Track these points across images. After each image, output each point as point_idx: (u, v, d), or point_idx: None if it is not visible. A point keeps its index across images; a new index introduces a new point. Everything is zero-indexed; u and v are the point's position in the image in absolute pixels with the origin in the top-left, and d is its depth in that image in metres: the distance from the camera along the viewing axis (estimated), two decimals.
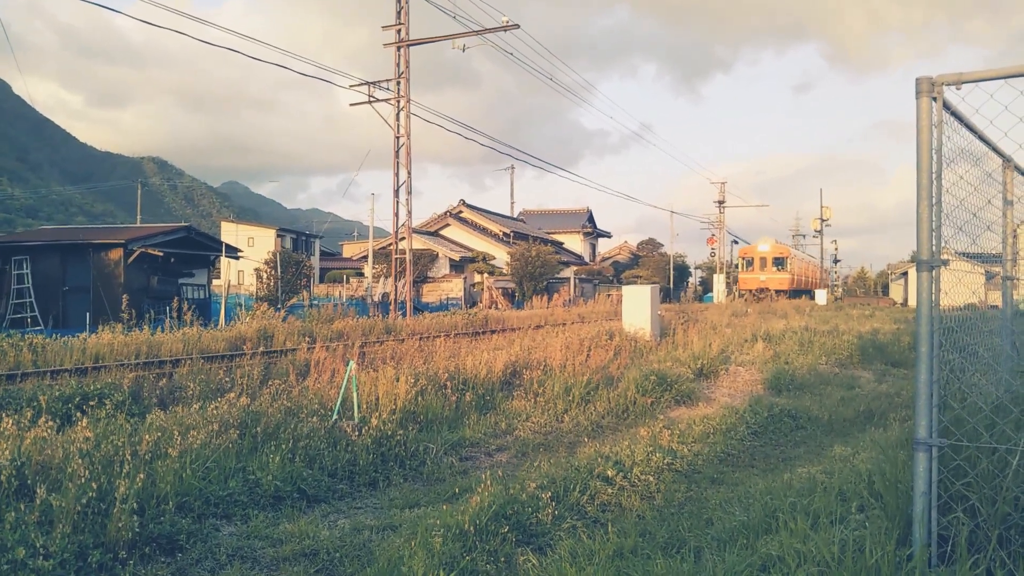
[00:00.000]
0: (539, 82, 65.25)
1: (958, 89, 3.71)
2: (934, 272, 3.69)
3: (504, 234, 58.46)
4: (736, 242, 76.34)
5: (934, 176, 3.69)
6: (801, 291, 57.10)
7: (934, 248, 3.70)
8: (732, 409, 9.23)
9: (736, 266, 59.13)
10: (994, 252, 5.78)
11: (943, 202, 3.82)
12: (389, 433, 7.07)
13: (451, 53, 26.05)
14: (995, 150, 4.94)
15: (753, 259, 54.05)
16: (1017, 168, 5.63)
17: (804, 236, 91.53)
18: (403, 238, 27.51)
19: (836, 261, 76.12)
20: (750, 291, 53.05)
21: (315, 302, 30.18)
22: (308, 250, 61.40)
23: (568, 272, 54.03)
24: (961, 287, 4.78)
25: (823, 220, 68.57)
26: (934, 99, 3.68)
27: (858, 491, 4.70)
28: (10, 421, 5.78)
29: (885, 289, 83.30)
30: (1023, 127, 3.62)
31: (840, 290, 73.83)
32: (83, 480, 4.63)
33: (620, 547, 4.44)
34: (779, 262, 53.16)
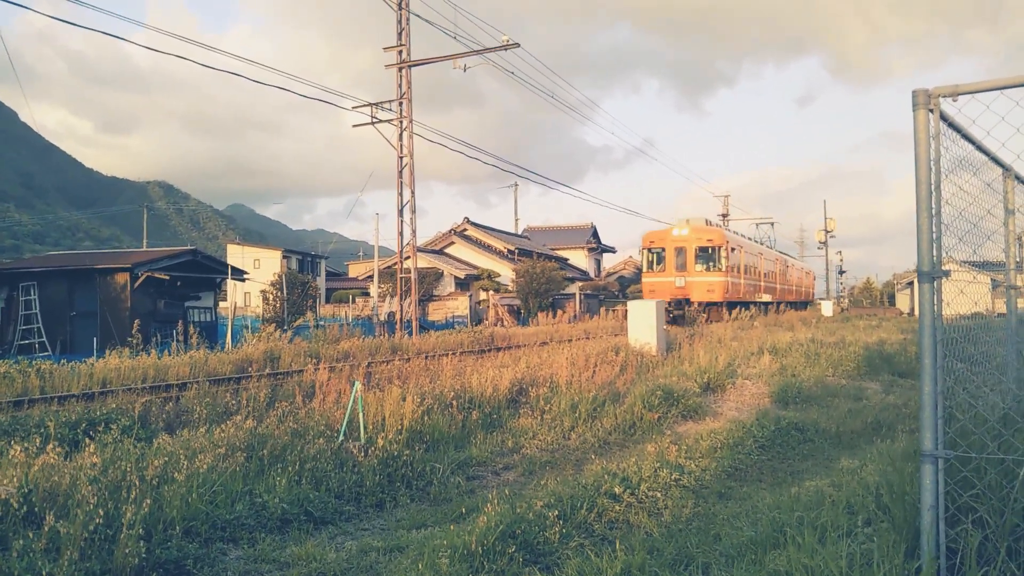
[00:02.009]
0: (543, 100, 65.61)
1: (954, 101, 3.73)
2: (935, 283, 3.70)
3: (509, 251, 58.51)
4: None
5: (933, 188, 3.71)
6: (760, 302, 40.29)
7: (935, 259, 3.70)
8: (739, 423, 9.19)
9: (641, 267, 36.93)
10: (998, 261, 5.78)
11: (943, 213, 3.83)
12: (395, 454, 7.07)
13: (456, 73, 26.23)
14: (994, 160, 4.96)
15: (664, 251, 34.15)
16: (1018, 177, 5.64)
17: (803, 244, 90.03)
18: (408, 257, 27.57)
19: (841, 272, 75.90)
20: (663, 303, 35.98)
21: (321, 323, 30.22)
22: (314, 271, 61.54)
23: (573, 288, 53.75)
24: (965, 296, 4.78)
25: (827, 231, 68.45)
26: (931, 111, 3.69)
27: (866, 504, 4.68)
28: (18, 448, 5.80)
29: (891, 299, 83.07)
30: (1020, 136, 3.64)
31: (846, 301, 73.49)
32: (90, 506, 4.64)
33: (628, 565, 4.42)
34: (706, 256, 33.61)
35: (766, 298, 43.25)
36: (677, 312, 31.73)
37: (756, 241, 49.27)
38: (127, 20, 18.16)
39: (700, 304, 32.21)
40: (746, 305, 36.39)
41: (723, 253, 33.25)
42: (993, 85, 3.55)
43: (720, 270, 33.05)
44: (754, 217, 69.92)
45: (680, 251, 33.81)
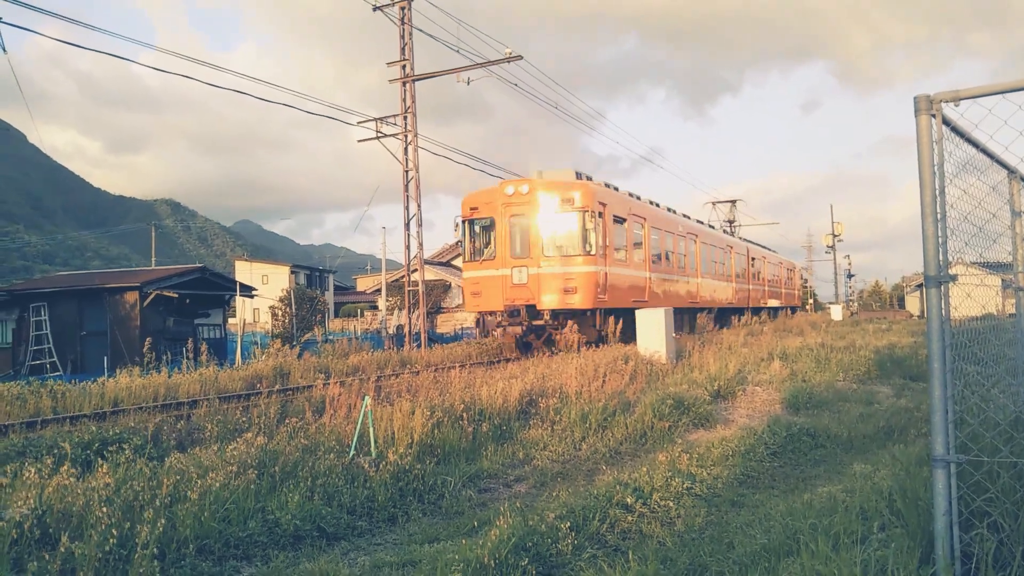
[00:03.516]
0: (548, 111, 65.69)
1: (956, 105, 3.74)
2: (942, 288, 3.70)
3: None
4: None
5: (937, 192, 3.71)
6: (697, 309, 28.79)
7: (941, 263, 3.70)
8: (750, 430, 9.17)
9: (463, 252, 23.21)
10: (1007, 262, 5.77)
11: (949, 217, 3.83)
12: (406, 467, 7.07)
13: (461, 86, 26.34)
14: (999, 162, 4.96)
15: (494, 224, 21.42)
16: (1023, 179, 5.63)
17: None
18: (415, 270, 27.63)
19: (850, 276, 75.65)
20: (487, 319, 21.74)
21: (330, 337, 30.29)
22: (322, 285, 61.70)
23: None
24: (975, 298, 4.77)
25: (835, 236, 68.28)
26: (933, 116, 3.70)
27: (879, 510, 4.66)
28: (32, 470, 5.83)
29: (901, 302, 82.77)
30: (1022, 139, 3.64)
31: (856, 304, 73.18)
32: (104, 527, 4.65)
33: (641, 575, 4.41)
34: (565, 230, 20.59)
35: (708, 300, 31.09)
36: (512, 324, 19.85)
37: (707, 225, 37.27)
38: (136, 42, 18.33)
39: (552, 315, 20.09)
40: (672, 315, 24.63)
41: (591, 222, 19.71)
42: (994, 89, 3.55)
43: (589, 254, 19.75)
44: (761, 223, 66.33)
45: (519, 223, 20.73)
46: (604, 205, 21.16)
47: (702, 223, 35.78)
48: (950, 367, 3.68)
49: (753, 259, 42.24)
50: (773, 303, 46.34)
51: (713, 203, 53.11)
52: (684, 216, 31.67)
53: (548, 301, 20.24)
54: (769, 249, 51.07)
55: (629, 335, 19.17)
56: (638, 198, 26.25)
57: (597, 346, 18.42)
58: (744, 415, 11.16)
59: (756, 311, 40.37)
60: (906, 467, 5.73)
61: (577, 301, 19.99)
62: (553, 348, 19.38)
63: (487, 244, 21.71)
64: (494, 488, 7.40)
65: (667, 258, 27.49)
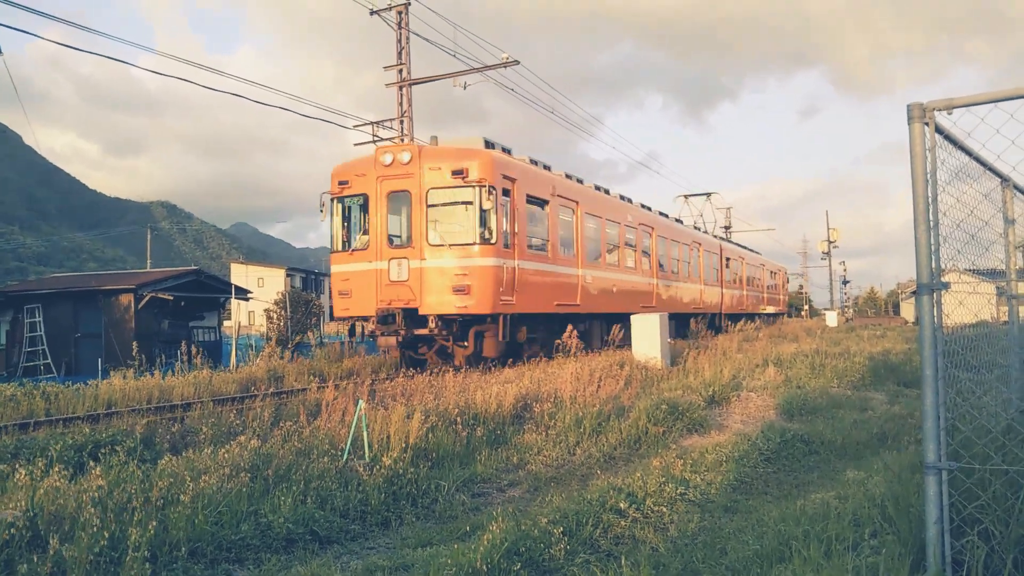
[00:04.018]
0: (545, 116, 65.88)
1: (949, 114, 3.76)
2: (935, 295, 3.71)
3: None
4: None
5: (930, 200, 3.73)
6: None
7: (934, 271, 3.72)
8: (744, 436, 9.18)
9: (332, 240, 17.71)
10: (1000, 269, 5.80)
11: (942, 224, 3.85)
12: (400, 471, 7.06)
13: (459, 91, 26.39)
14: (992, 170, 4.98)
15: (367, 202, 16.90)
16: (1016, 187, 5.66)
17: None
18: None
19: (846, 282, 75.85)
20: (364, 327, 19.19)
21: (325, 340, 30.24)
22: (318, 289, 61.62)
23: None
24: (968, 304, 4.79)
25: (831, 242, 68.47)
26: (926, 124, 3.72)
27: (871, 516, 4.68)
28: (24, 472, 5.82)
29: (896, 308, 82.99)
30: (1015, 148, 3.66)
31: (851, 311, 73.33)
32: (95, 529, 4.64)
33: None
34: (458, 210, 16.27)
35: (668, 304, 26.82)
36: (385, 334, 15.91)
37: (677, 221, 32.02)
38: (135, 45, 18.36)
39: (442, 322, 15.80)
40: (596, 320, 21.33)
41: (490, 201, 15.59)
42: (987, 98, 3.57)
43: (488, 242, 15.70)
44: (757, 229, 65.64)
45: (399, 202, 16.68)
46: (512, 181, 16.60)
47: (667, 216, 30.58)
48: (942, 374, 3.70)
49: (728, 259, 37.52)
50: (754, 309, 42.70)
51: (685, 196, 44.79)
52: (643, 207, 27.09)
53: (433, 304, 15.69)
54: (750, 249, 47.00)
55: (552, 348, 16.48)
56: (580, 181, 21.74)
57: (511, 363, 15.88)
58: (738, 421, 11.17)
59: (734, 318, 36.62)
60: (898, 474, 5.74)
61: (471, 304, 15.48)
62: (452, 363, 15.76)
63: (361, 229, 17.01)
64: (488, 492, 7.39)
65: (610, 253, 22.94)
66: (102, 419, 10.47)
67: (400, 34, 26.46)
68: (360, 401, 7.91)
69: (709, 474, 7.48)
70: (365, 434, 7.64)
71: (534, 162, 19.44)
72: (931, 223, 3.71)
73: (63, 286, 27.96)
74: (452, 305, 15.68)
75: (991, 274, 5.86)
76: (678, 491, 6.63)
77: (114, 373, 14.80)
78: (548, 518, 5.52)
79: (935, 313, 3.70)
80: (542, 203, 18.58)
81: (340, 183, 17.21)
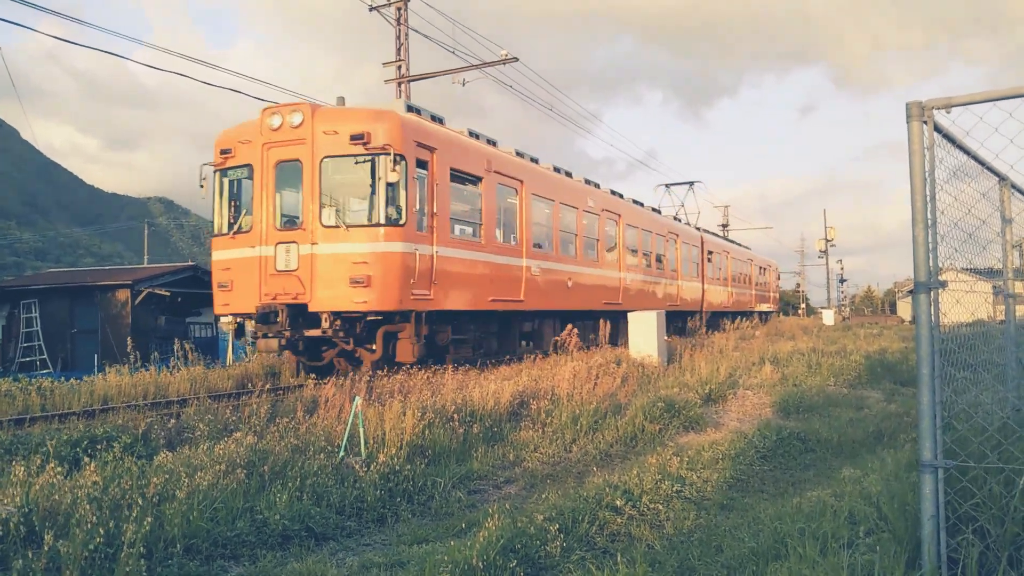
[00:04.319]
0: (543, 113, 65.66)
1: (948, 112, 3.76)
2: (932, 294, 3.71)
3: None
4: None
5: (928, 199, 3.73)
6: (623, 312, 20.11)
7: (931, 270, 3.72)
8: (741, 434, 9.19)
9: (214, 221, 14.66)
10: (998, 268, 5.80)
11: (939, 223, 3.85)
12: (397, 468, 7.06)
13: (458, 88, 26.35)
14: (990, 169, 4.98)
15: (252, 173, 13.89)
16: (1014, 186, 5.66)
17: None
18: None
19: (842, 281, 75.94)
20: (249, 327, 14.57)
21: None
22: None
23: None
24: (965, 303, 4.79)
25: (828, 240, 68.53)
26: (925, 123, 3.72)
27: (867, 514, 4.68)
28: (19, 467, 5.80)
29: (892, 307, 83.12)
30: (1014, 147, 3.66)
31: (847, 309, 73.42)
32: (91, 525, 4.63)
33: None
34: (360, 183, 13.43)
35: (638, 301, 24.08)
36: (268, 336, 13.15)
37: (650, 209, 28.67)
38: (130, 39, 18.30)
39: (342, 321, 13.12)
40: (547, 319, 19.16)
41: (397, 173, 12.89)
42: (986, 97, 3.57)
43: (395, 223, 13.19)
44: (754, 227, 65.13)
45: (289, 174, 13.88)
46: (431, 151, 13.91)
47: (642, 205, 27.53)
48: (939, 373, 3.70)
49: (711, 253, 34.94)
50: (741, 307, 40.36)
51: (666, 185, 41.29)
52: (613, 193, 24.49)
53: (326, 299, 12.96)
54: (737, 243, 44.45)
55: (493, 351, 15.74)
56: (535, 161, 19.63)
57: (431, 365, 13.42)
58: (735, 419, 11.18)
59: (716, 316, 34.54)
60: (894, 472, 5.75)
61: (371, 299, 12.75)
62: (362, 368, 13.54)
63: (245, 209, 14.18)
64: (484, 489, 7.40)
65: (566, 242, 20.26)
66: (98, 415, 10.45)
67: (399, 30, 26.42)
68: (357, 398, 7.91)
69: (705, 472, 7.48)
70: (361, 431, 7.64)
71: (475, 135, 16.92)
72: (929, 221, 3.71)
73: (60, 281, 27.93)
74: (349, 300, 12.87)
75: (988, 273, 5.86)
76: (674, 489, 6.64)
77: (110, 369, 14.77)
78: (544, 515, 5.51)
79: (932, 312, 3.70)
80: (474, 180, 15.83)
81: (223, 152, 14.29)
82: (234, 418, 8.86)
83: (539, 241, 18.71)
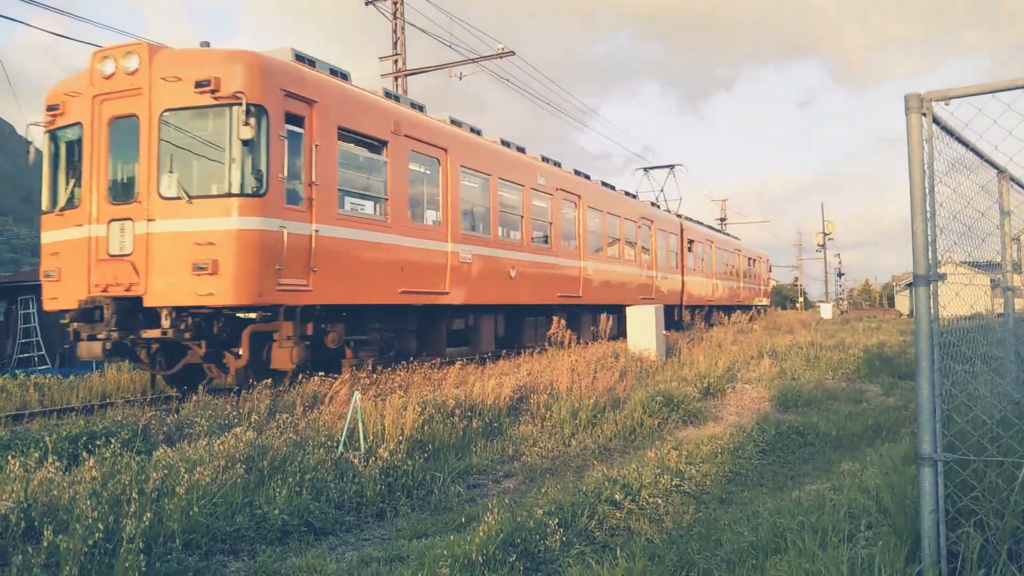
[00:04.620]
0: (540, 107, 65.39)
1: (947, 104, 3.75)
2: (931, 287, 3.71)
3: None
4: None
5: (927, 191, 3.72)
6: (583, 307, 21.05)
7: (930, 262, 3.71)
8: (739, 428, 9.20)
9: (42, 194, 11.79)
10: (996, 261, 5.80)
11: (938, 215, 3.84)
12: (396, 463, 7.06)
13: (456, 83, 26.27)
14: (989, 162, 4.98)
15: (81, 133, 11.12)
16: (1012, 179, 5.66)
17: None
18: None
19: (840, 275, 75.99)
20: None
21: None
22: None
23: None
24: (964, 296, 4.79)
25: (825, 234, 68.52)
26: (923, 115, 3.71)
27: (867, 508, 4.68)
28: (16, 463, 5.80)
29: (891, 301, 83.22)
30: (1013, 139, 3.65)
31: (845, 303, 73.47)
32: (90, 521, 4.63)
33: (629, 571, 4.41)
34: (206, 139, 10.62)
35: (603, 293, 22.04)
36: (91, 338, 10.59)
37: (611, 188, 24.99)
38: (126, 34, 18.20)
39: (194, 322, 10.54)
40: (485, 315, 16.54)
41: (252, 130, 10.14)
42: (984, 89, 3.56)
43: (253, 194, 10.39)
44: (752, 221, 64.42)
45: (123, 132, 11.00)
46: (310, 104, 11.24)
47: (611, 188, 24.92)
48: (938, 366, 3.69)
49: (692, 242, 32.01)
50: (728, 300, 37.77)
51: (645, 169, 37.36)
52: (577, 173, 22.04)
53: (163, 290, 10.37)
54: (724, 232, 41.77)
55: (409, 353, 13.76)
56: (477, 132, 16.97)
57: (320, 374, 11.24)
58: (733, 412, 11.19)
59: (694, 311, 31.12)
60: (894, 465, 5.75)
61: (218, 290, 10.14)
62: (227, 380, 11.68)
63: (76, 178, 11.42)
64: (483, 484, 7.40)
65: (506, 225, 17.74)
66: (97, 411, 10.44)
67: (395, 24, 26.36)
68: (356, 392, 7.90)
69: (704, 466, 7.49)
70: (360, 425, 7.64)
71: (391, 96, 14.46)
72: (928, 214, 3.70)
73: None
74: (191, 292, 10.17)
75: (987, 266, 5.86)
76: (673, 483, 6.64)
77: (108, 365, 14.75)
78: (543, 509, 5.52)
79: (931, 305, 3.69)
80: (375, 144, 13.05)
81: (50, 109, 11.63)
82: (234, 413, 8.85)
83: (471, 223, 16.09)
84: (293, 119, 11.09)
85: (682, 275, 30.49)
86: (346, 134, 12.29)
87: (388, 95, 14.40)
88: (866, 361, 15.83)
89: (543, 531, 5.14)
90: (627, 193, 26.97)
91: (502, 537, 4.86)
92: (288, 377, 11.23)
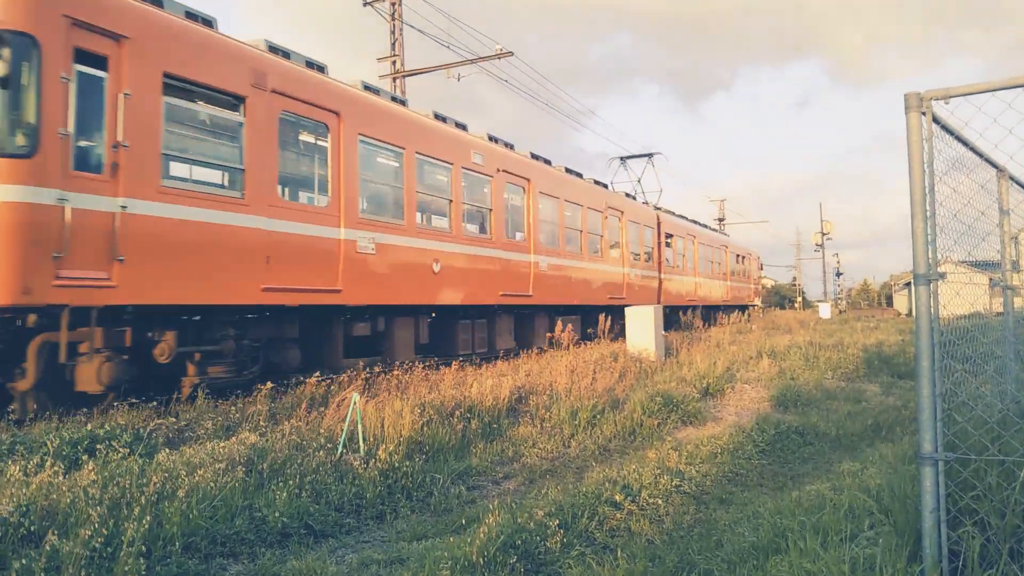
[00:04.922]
0: (539, 108, 65.43)
1: (947, 103, 3.75)
2: (932, 286, 3.71)
3: None
4: None
5: (927, 190, 3.72)
6: (534, 308, 18.69)
7: (930, 261, 3.71)
8: (739, 428, 9.19)
9: None
10: (995, 261, 5.80)
11: (938, 215, 3.84)
12: (395, 465, 7.05)
13: (455, 84, 26.26)
14: (988, 161, 4.98)
15: None
16: (1012, 178, 5.66)
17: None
18: None
19: (839, 274, 76.09)
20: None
21: None
22: None
23: None
24: (965, 295, 4.79)
25: (824, 234, 68.59)
26: (923, 114, 3.71)
27: (867, 507, 4.68)
28: (16, 467, 5.79)
29: (889, 300, 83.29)
30: (1013, 138, 3.65)
31: (844, 303, 73.51)
32: (92, 525, 4.62)
33: (630, 573, 4.41)
34: None
35: (554, 292, 19.37)
36: None
37: (577, 176, 22.58)
38: None
39: None
40: (403, 317, 14.10)
41: (4, 62, 7.82)
42: (985, 88, 3.56)
43: (14, 153, 7.89)
44: (750, 221, 64.30)
45: None
46: (119, 41, 8.92)
47: (579, 175, 22.74)
48: (938, 365, 3.69)
49: (670, 236, 29.57)
50: (712, 300, 35.35)
51: (621, 159, 33.63)
52: (534, 156, 19.67)
53: None
54: (710, 228, 38.44)
55: (290, 367, 11.50)
56: (397, 101, 14.57)
57: (149, 398, 9.64)
58: (733, 413, 11.19)
59: (678, 311, 29.19)
60: (894, 465, 5.76)
61: None
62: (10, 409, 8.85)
63: None
64: (483, 485, 7.39)
65: (428, 209, 15.86)
66: (97, 414, 10.41)
67: (393, 25, 26.36)
68: (355, 394, 7.89)
69: (704, 466, 7.49)
70: (360, 427, 7.63)
71: (276, 51, 11.53)
72: (928, 213, 3.70)
73: None
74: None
75: (983, 266, 5.86)
76: (673, 483, 6.64)
77: None
78: (544, 511, 5.51)
79: (932, 304, 3.69)
80: (227, 100, 10.44)
81: None
82: (237, 415, 8.84)
83: (375, 206, 13.46)
84: (89, 59, 8.64)
85: (659, 273, 28.08)
86: (178, 84, 9.63)
87: (272, 49, 11.43)
88: (865, 360, 15.85)
89: (543, 532, 5.13)
90: (596, 182, 24.12)
91: (502, 539, 4.86)
92: (105, 403, 9.05)
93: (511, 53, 25.60)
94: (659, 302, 26.62)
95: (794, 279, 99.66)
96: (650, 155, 33.15)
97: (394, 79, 26.53)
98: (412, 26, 26.44)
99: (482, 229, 16.93)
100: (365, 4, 26.19)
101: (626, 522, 5.77)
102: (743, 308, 40.63)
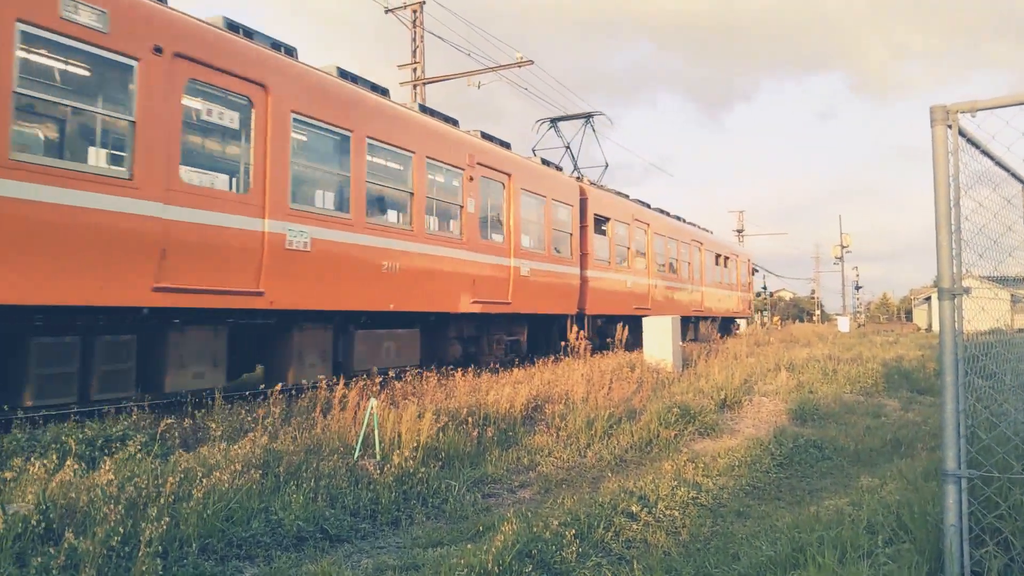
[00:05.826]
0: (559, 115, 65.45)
1: (973, 116, 3.71)
2: (956, 300, 3.67)
3: None
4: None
5: (952, 204, 3.68)
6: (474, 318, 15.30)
7: (955, 276, 3.67)
8: (757, 440, 9.12)
9: None
10: (1020, 276, 5.74)
11: (963, 229, 3.81)
12: (411, 471, 7.05)
13: (475, 92, 26.37)
14: (1015, 175, 4.93)
15: None
16: None
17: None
18: None
19: (858, 288, 75.47)
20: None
21: None
22: None
23: None
24: (990, 310, 4.73)
25: (843, 247, 68.09)
26: (949, 127, 3.68)
27: (887, 524, 4.62)
28: (37, 464, 5.83)
29: (908, 315, 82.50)
30: None
31: (863, 316, 72.88)
32: (110, 524, 4.65)
33: None
34: None
35: (487, 295, 15.43)
36: None
37: (505, 145, 17.05)
38: None
39: None
40: (317, 329, 11.73)
41: None
42: (1013, 101, 3.53)
43: None
44: (768, 232, 63.39)
45: None
46: None
47: (509, 147, 17.36)
48: (962, 381, 3.65)
49: (602, 219, 21.68)
50: (672, 311, 25.29)
51: (552, 120, 24.98)
52: (474, 134, 16.01)
53: None
54: (677, 217, 28.84)
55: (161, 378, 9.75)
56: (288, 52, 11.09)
57: None
58: (750, 425, 11.11)
59: (614, 322, 20.30)
60: (914, 482, 5.69)
61: None
62: None
63: None
64: (498, 493, 7.37)
65: (380, 200, 13.48)
66: (112, 414, 10.49)
67: (415, 33, 26.50)
68: (372, 399, 7.90)
69: (721, 478, 7.44)
70: (376, 432, 7.63)
71: (180, 17, 9.22)
72: (953, 227, 3.66)
73: None
74: None
75: (1008, 282, 5.80)
76: (690, 495, 6.60)
77: None
78: (559, 520, 5.49)
79: (956, 319, 3.65)
80: (122, 64, 8.46)
81: None
82: (250, 419, 8.88)
83: (312, 197, 11.86)
84: None
85: (581, 269, 19.96)
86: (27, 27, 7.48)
87: (179, 20, 9.23)
88: (884, 375, 15.69)
89: (559, 542, 5.11)
90: (552, 164, 19.71)
91: (518, 547, 4.84)
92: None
93: (531, 62, 25.67)
94: (585, 310, 19.97)
95: (813, 292, 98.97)
96: (589, 116, 24.75)
97: (415, 86, 26.65)
98: (433, 33, 26.60)
99: (458, 226, 14.90)
100: (387, 12, 26.35)
101: (642, 533, 5.74)
102: (727, 320, 34.14)
